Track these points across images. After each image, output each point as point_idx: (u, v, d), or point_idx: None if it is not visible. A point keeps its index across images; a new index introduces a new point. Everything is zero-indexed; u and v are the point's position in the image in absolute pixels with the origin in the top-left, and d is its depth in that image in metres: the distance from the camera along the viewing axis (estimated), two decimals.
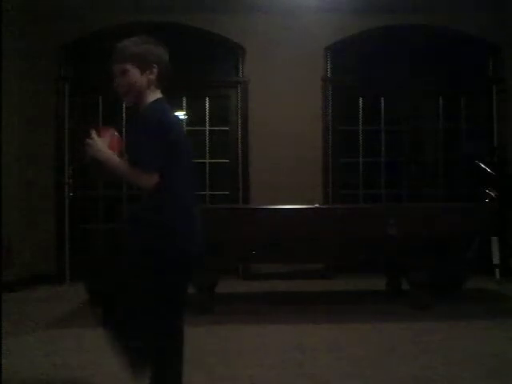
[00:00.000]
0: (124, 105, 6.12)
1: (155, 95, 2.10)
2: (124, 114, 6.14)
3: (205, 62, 6.25)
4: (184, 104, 6.29)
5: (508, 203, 5.45)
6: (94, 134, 2.05)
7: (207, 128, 6.26)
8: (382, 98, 6.36)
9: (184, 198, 2.09)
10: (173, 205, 2.05)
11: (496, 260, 5.44)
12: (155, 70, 2.08)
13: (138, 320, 2.03)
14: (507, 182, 5.73)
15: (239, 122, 6.21)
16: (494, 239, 5.38)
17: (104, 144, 2.05)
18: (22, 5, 5.70)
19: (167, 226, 2.04)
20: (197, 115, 6.36)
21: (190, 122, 6.33)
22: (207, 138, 6.25)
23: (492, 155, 6.10)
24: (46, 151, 5.97)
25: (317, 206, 4.73)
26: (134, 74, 2.07)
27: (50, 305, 4.84)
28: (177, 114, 2.26)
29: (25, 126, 5.80)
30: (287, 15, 6.06)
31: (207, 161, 6.22)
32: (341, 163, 6.30)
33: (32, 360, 3.22)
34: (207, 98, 6.27)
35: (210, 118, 6.27)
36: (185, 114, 6.36)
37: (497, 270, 5.48)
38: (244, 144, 6.17)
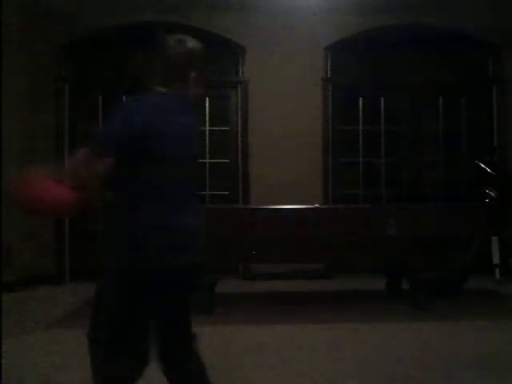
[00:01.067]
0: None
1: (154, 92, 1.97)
2: None
3: (205, 61, 6.24)
4: None
5: (508, 203, 5.44)
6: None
7: (207, 128, 6.26)
8: (382, 98, 6.36)
9: (159, 208, 1.86)
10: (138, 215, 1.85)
11: (496, 260, 5.43)
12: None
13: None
14: (507, 182, 5.73)
15: (239, 122, 6.21)
16: (494, 239, 5.37)
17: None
18: (21, 5, 5.70)
19: (130, 239, 1.84)
20: (197, 115, 6.36)
21: None
22: (207, 138, 6.25)
23: (492, 155, 6.10)
24: (46, 151, 5.97)
25: (317, 206, 4.73)
26: None
27: (49, 305, 4.84)
28: (184, 115, 2.03)
29: (25, 126, 5.80)
30: (287, 15, 6.06)
31: (207, 161, 6.22)
32: (341, 163, 6.30)
33: (32, 360, 3.22)
34: (207, 98, 6.27)
35: (210, 118, 6.28)
36: None
37: (497, 270, 5.47)
38: (244, 144, 6.17)
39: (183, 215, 1.90)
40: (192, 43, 2.00)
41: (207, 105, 6.26)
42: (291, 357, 3.26)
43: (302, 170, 6.00)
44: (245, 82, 6.16)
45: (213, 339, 3.64)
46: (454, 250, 4.69)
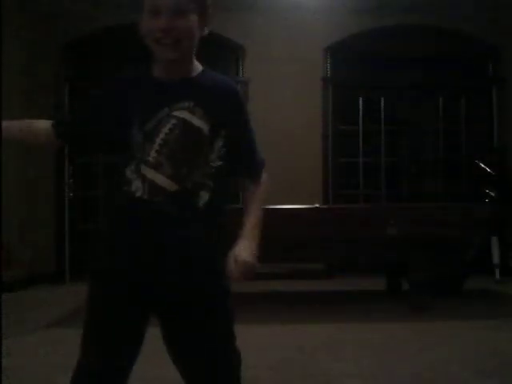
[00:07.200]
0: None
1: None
2: None
3: (205, 61, 6.23)
4: None
5: (508, 203, 5.44)
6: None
7: None
8: (382, 98, 6.36)
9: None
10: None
11: (496, 260, 5.43)
12: (206, 30, 1.44)
13: None
14: (507, 182, 5.73)
15: None
16: (494, 239, 5.37)
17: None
18: (21, 5, 5.70)
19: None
20: None
21: None
22: None
23: (492, 155, 6.10)
24: (45, 151, 5.97)
25: (317, 206, 4.73)
26: (194, 21, 1.41)
27: (50, 305, 4.84)
28: None
29: None
30: (287, 15, 6.06)
31: None
32: (341, 163, 6.30)
33: (32, 360, 3.22)
34: None
35: None
36: None
37: (497, 270, 5.47)
38: None
39: None
40: None
41: None
42: (291, 357, 3.26)
43: (301, 169, 6.00)
44: (245, 82, 6.16)
45: None
46: (453, 249, 4.69)
